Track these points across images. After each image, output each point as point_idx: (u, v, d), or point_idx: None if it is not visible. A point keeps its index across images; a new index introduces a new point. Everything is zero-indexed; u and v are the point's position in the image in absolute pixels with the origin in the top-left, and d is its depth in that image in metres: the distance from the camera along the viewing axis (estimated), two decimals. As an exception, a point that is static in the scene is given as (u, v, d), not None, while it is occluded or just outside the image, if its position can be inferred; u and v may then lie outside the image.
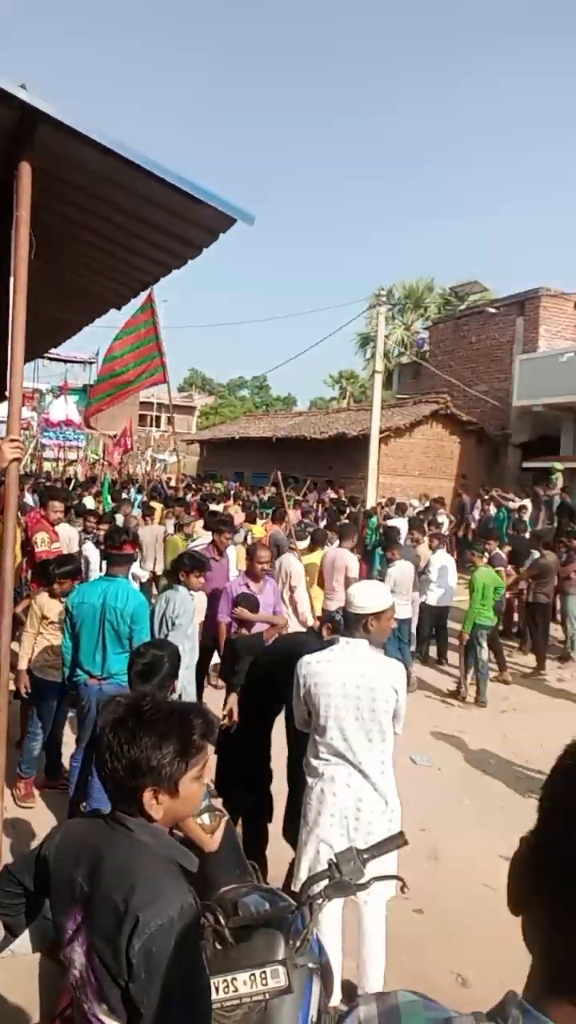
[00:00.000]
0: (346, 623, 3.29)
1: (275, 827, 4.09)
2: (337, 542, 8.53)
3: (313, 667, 3.16)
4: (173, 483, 17.34)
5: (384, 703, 3.09)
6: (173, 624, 5.18)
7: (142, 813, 1.61)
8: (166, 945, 1.42)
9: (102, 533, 7.17)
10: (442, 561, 9.28)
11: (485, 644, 8.17)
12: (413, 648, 8.94)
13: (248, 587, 5.87)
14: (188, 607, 5.34)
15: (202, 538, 7.90)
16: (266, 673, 4.11)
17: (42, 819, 4.75)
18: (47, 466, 24.56)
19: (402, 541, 11.06)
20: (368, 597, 3.20)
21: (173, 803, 1.63)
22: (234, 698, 4.36)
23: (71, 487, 15.95)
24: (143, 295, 10.00)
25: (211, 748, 1.76)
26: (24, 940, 1.85)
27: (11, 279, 3.30)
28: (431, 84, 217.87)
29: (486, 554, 8.73)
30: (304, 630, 7.09)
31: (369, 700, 3.07)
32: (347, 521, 11.47)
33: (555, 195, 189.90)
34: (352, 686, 3.08)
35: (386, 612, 3.22)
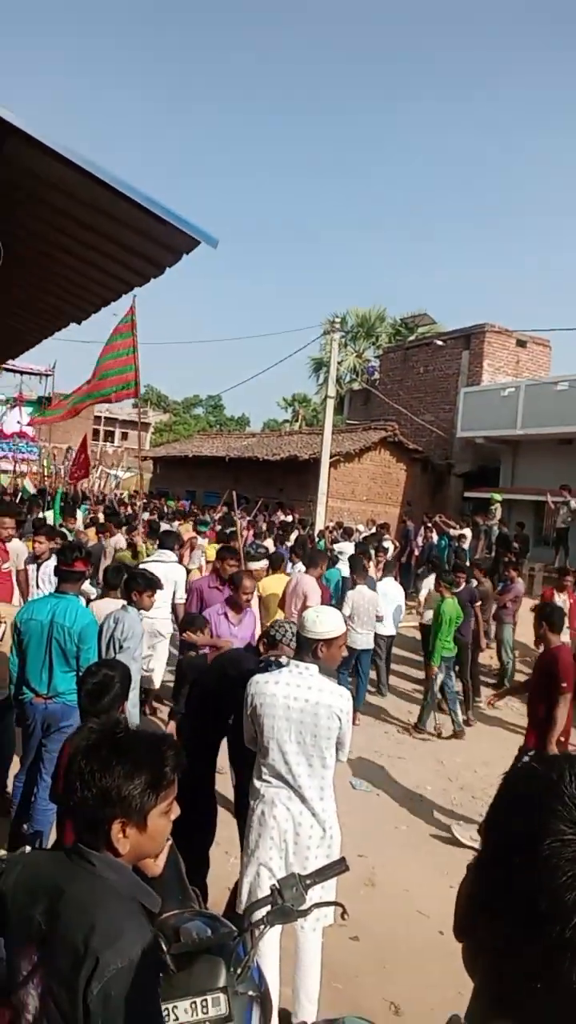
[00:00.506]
0: (298, 647, 3.30)
1: (215, 850, 4.06)
2: (300, 566, 8.51)
3: (260, 686, 3.17)
4: (125, 499, 17.13)
5: (327, 730, 3.11)
6: (121, 647, 5.07)
7: (108, 847, 1.54)
8: (125, 988, 1.35)
9: (39, 547, 6.89)
10: (388, 589, 9.37)
11: (451, 675, 8.17)
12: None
13: (227, 616, 5.78)
14: (137, 629, 5.25)
15: (156, 555, 7.80)
16: (207, 692, 4.11)
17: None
18: (0, 478, 24.02)
19: (345, 569, 11.18)
20: (320, 623, 3.21)
21: (140, 838, 1.57)
22: (172, 724, 4.35)
23: (18, 500, 15.59)
24: (127, 305, 10.03)
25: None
26: None
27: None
28: (386, 118, 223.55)
29: (453, 586, 8.53)
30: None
31: (312, 725, 3.09)
32: (311, 547, 11.46)
33: (505, 235, 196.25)
34: (296, 709, 3.09)
35: (337, 640, 3.24)
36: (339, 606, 7.68)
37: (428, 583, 9.71)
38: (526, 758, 5.24)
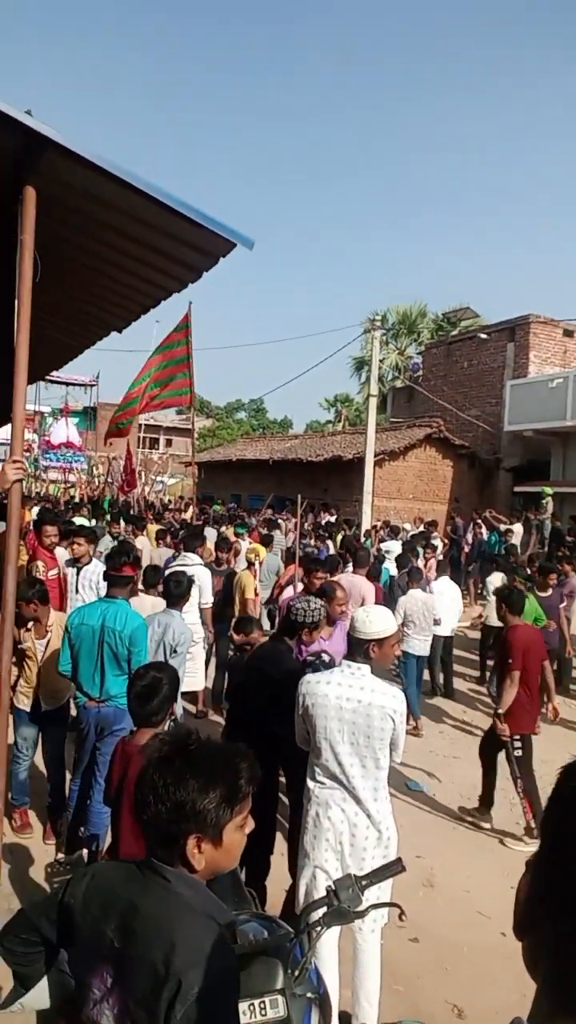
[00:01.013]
0: (350, 647, 3.27)
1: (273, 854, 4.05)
2: (351, 568, 8.44)
3: (312, 686, 3.15)
4: (171, 505, 17.32)
5: (380, 731, 3.07)
6: (174, 651, 5.14)
7: (183, 862, 1.48)
8: (210, 1011, 1.30)
9: (78, 550, 6.76)
10: (445, 588, 9.12)
11: None
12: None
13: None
14: (187, 633, 5.33)
15: (180, 559, 7.79)
16: (252, 692, 4.07)
17: (40, 844, 4.69)
18: (51, 488, 24.59)
19: (393, 568, 11.04)
20: (371, 622, 3.18)
21: (215, 853, 1.50)
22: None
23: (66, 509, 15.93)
24: (181, 313, 10.15)
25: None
26: (39, 994, 1.69)
27: (15, 302, 3.33)
28: (427, 116, 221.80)
29: (537, 586, 8.28)
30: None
31: (365, 726, 3.06)
32: (360, 548, 11.41)
33: (545, 223, 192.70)
34: (348, 710, 3.06)
35: (389, 639, 3.21)
36: (389, 605, 7.60)
37: (494, 580, 9.38)
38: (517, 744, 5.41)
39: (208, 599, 7.27)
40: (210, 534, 11.61)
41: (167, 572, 6.41)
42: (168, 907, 1.42)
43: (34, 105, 3.19)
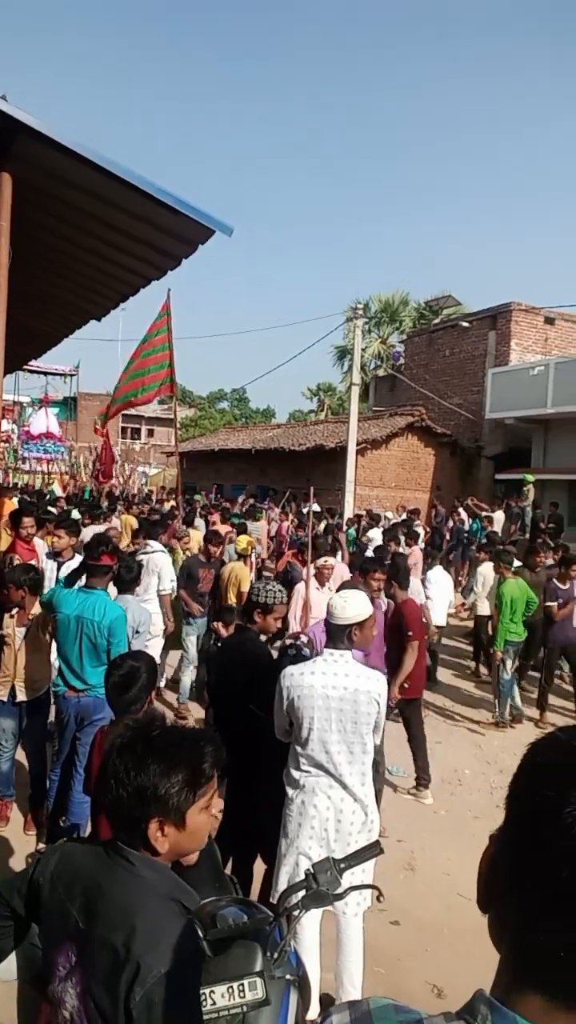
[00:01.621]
0: (329, 634, 3.25)
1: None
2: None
3: (296, 679, 3.13)
4: (155, 496, 17.23)
5: (366, 716, 3.10)
6: (136, 632, 5.17)
7: (146, 846, 1.49)
8: (169, 994, 1.30)
9: (59, 543, 6.58)
10: (439, 577, 9.06)
11: (510, 662, 7.64)
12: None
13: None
14: (146, 615, 5.39)
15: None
16: (230, 682, 4.02)
17: (21, 835, 4.68)
18: (27, 479, 24.38)
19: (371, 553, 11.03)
20: (351, 607, 3.18)
21: (179, 836, 1.51)
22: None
23: (47, 500, 15.81)
24: (157, 301, 10.03)
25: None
26: (8, 965, 1.74)
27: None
28: (410, 105, 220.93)
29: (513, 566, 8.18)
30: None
31: (352, 712, 3.07)
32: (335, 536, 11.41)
33: (527, 211, 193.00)
34: (335, 698, 3.07)
35: (367, 621, 3.23)
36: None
37: (485, 570, 9.23)
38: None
39: (167, 586, 7.10)
40: (199, 526, 11.58)
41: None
42: (131, 890, 1.44)
43: (12, 90, 3.14)
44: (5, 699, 4.71)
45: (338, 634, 3.19)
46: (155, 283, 4.64)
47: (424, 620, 7.45)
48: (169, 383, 10.25)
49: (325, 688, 3.08)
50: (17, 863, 4.33)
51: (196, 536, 10.48)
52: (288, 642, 4.12)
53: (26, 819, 4.81)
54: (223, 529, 10.59)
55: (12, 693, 4.69)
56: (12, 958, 1.73)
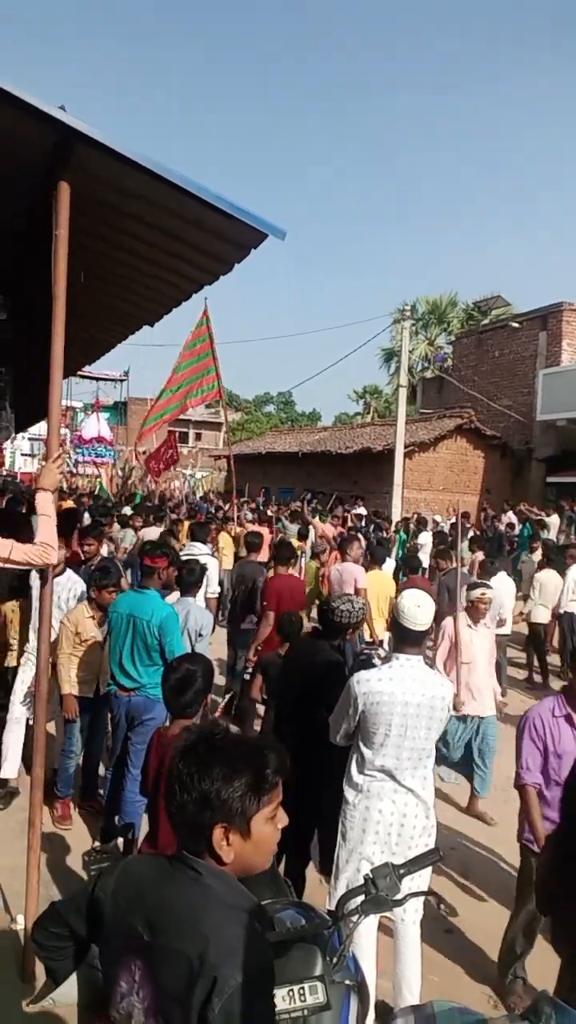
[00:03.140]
0: (400, 639, 3.18)
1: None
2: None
3: (374, 685, 3.05)
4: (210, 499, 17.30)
5: (439, 722, 3.08)
6: (200, 635, 5.24)
7: (211, 854, 1.45)
8: (247, 1005, 1.28)
9: (89, 550, 6.66)
10: (503, 585, 8.56)
11: None
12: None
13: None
14: (209, 618, 5.47)
15: (187, 548, 7.81)
16: (299, 687, 4.02)
17: (78, 834, 4.75)
18: (81, 482, 24.86)
19: (425, 559, 10.88)
20: (424, 612, 3.11)
21: (244, 846, 1.47)
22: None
23: (98, 501, 16.07)
24: (199, 311, 10.15)
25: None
26: (69, 988, 1.69)
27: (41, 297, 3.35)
28: (457, 104, 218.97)
29: None
30: None
31: (427, 719, 3.04)
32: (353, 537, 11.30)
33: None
34: (413, 704, 3.02)
35: (430, 629, 3.20)
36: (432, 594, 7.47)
37: (543, 577, 8.91)
38: None
39: (215, 589, 7.28)
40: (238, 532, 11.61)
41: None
42: (198, 900, 1.40)
43: (65, 100, 3.20)
44: (92, 696, 4.86)
45: (410, 639, 3.13)
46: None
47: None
48: (216, 388, 10.37)
49: (404, 695, 3.02)
50: (74, 861, 4.40)
51: (230, 541, 10.53)
52: (363, 648, 4.13)
53: (55, 809, 4.86)
54: (265, 533, 10.58)
55: (96, 689, 4.88)
56: (73, 981, 1.68)
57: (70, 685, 4.82)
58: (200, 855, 1.46)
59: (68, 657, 4.84)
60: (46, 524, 3.20)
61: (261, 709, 5.92)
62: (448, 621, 5.56)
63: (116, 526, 11.05)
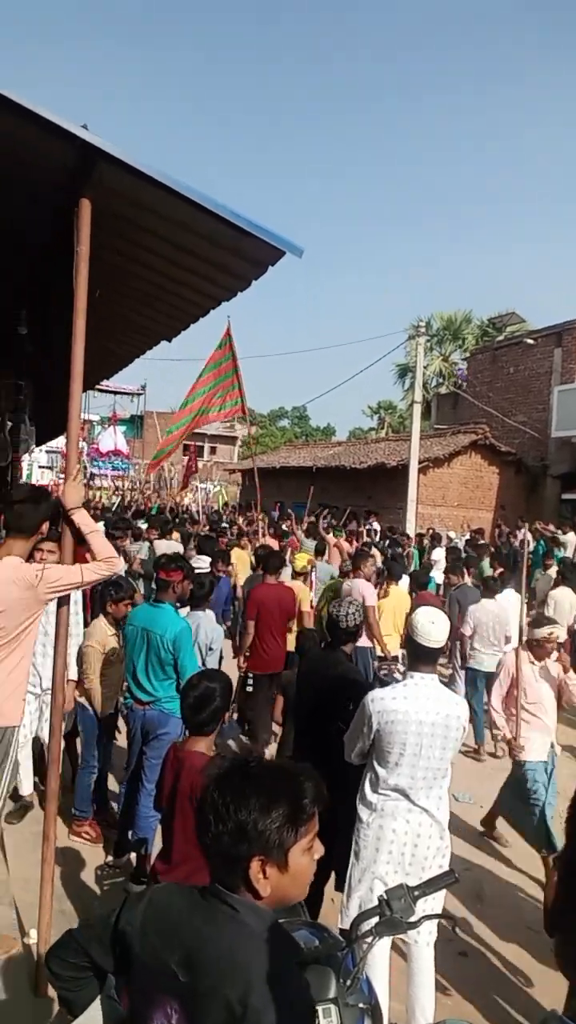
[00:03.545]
0: (415, 656, 3.16)
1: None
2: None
3: (388, 703, 3.03)
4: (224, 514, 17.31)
5: (455, 741, 3.05)
6: (210, 649, 5.25)
7: (247, 887, 1.40)
8: None
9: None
10: (513, 601, 8.36)
11: None
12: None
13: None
14: (219, 632, 5.48)
15: (193, 561, 7.82)
16: (315, 703, 3.98)
17: (92, 848, 4.72)
18: (98, 495, 25.03)
19: (439, 576, 10.83)
20: (438, 629, 3.09)
21: (281, 879, 1.41)
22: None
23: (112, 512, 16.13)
24: (222, 329, 10.31)
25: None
26: (94, 1014, 1.61)
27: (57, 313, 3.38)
28: (467, 121, 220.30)
29: None
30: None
31: (442, 738, 3.02)
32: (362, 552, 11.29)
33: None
34: (428, 723, 3.00)
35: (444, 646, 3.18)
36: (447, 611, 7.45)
37: (559, 595, 8.78)
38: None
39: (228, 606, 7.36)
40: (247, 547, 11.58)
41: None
42: (238, 939, 1.35)
43: (65, 100, 3.25)
44: (113, 711, 4.89)
45: (425, 656, 3.11)
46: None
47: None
48: (239, 404, 10.52)
49: (419, 714, 3.00)
50: (88, 875, 4.38)
51: (243, 556, 10.51)
52: (380, 666, 4.09)
53: (83, 833, 4.83)
54: (274, 544, 10.49)
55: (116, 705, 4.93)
56: (97, 1007, 1.61)
57: (105, 703, 4.88)
58: (235, 888, 1.41)
59: (98, 677, 4.86)
60: (98, 538, 3.32)
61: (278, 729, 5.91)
62: (510, 657, 5.11)
63: (130, 539, 11.09)
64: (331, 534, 12.63)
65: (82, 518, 3.29)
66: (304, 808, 1.43)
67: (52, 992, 3.17)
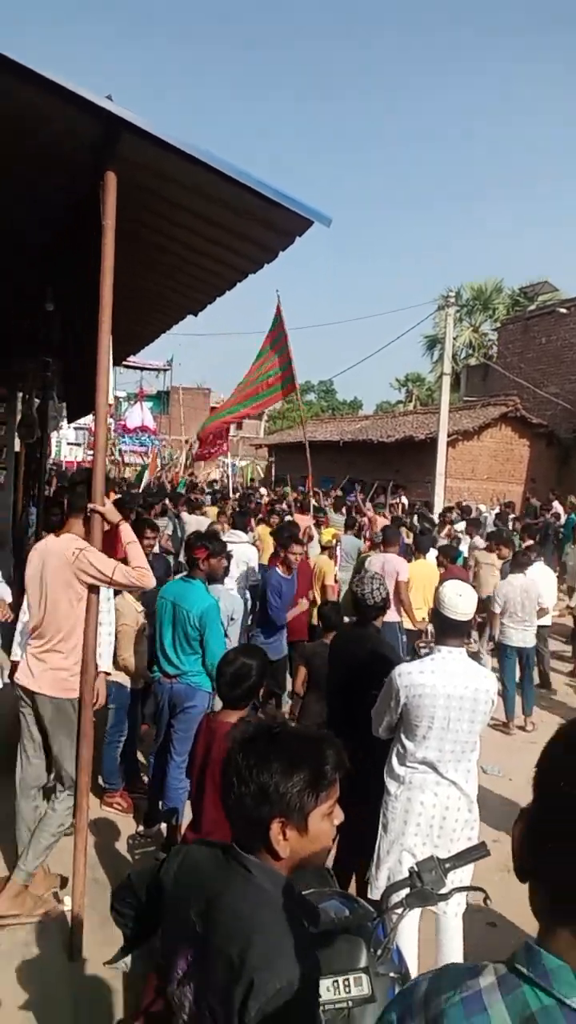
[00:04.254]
0: (441, 630, 3.16)
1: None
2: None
3: (416, 677, 3.03)
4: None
5: (483, 715, 3.05)
6: (231, 619, 5.29)
7: (267, 849, 1.45)
8: (286, 1010, 1.26)
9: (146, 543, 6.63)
10: (544, 574, 8.32)
11: None
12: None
13: None
14: (239, 601, 5.57)
15: (228, 535, 7.86)
16: (346, 677, 3.97)
17: (123, 818, 4.80)
18: (127, 471, 25.12)
19: (465, 549, 10.72)
20: (468, 601, 3.08)
21: (301, 841, 1.46)
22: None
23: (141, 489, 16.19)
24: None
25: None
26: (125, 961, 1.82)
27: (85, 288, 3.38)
28: (498, 85, 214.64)
29: None
30: None
31: (470, 711, 3.02)
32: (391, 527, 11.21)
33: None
34: (456, 697, 3.00)
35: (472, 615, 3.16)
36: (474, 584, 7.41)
37: None
38: None
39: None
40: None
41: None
42: (249, 900, 1.40)
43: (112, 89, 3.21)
44: (139, 686, 5.01)
45: (452, 630, 3.10)
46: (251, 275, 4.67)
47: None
48: (292, 383, 10.56)
49: (447, 688, 2.99)
50: (121, 845, 4.47)
51: (265, 533, 10.49)
52: (420, 643, 4.07)
53: (114, 804, 4.92)
54: (303, 521, 10.40)
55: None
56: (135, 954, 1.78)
57: (138, 676, 5.01)
58: (255, 850, 1.46)
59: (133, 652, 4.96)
60: (135, 549, 3.60)
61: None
62: None
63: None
64: (373, 510, 12.58)
65: (124, 530, 3.63)
66: (325, 774, 1.48)
67: (87, 953, 3.27)
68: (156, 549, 6.64)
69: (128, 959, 1.83)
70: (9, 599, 4.63)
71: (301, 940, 1.36)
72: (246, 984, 1.28)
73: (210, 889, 1.45)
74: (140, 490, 16.46)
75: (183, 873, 1.55)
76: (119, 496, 6.96)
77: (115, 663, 4.88)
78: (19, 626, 4.18)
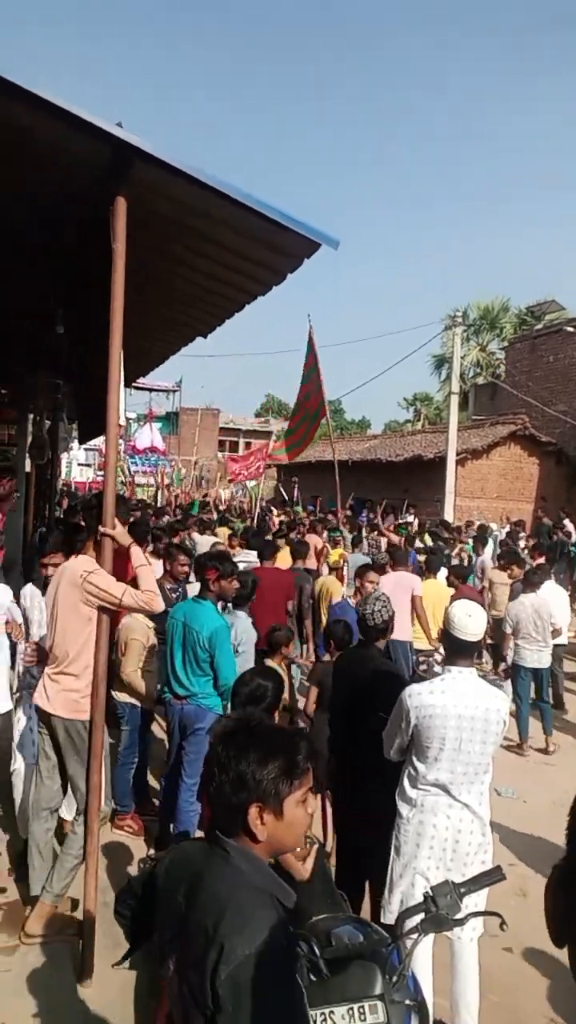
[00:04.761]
0: (452, 650, 3.14)
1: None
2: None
3: (426, 698, 3.01)
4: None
5: (495, 736, 3.01)
6: (236, 650, 5.19)
7: (246, 832, 1.55)
8: (256, 976, 1.34)
9: (181, 569, 6.39)
10: (556, 593, 8.29)
11: None
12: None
13: None
14: (251, 633, 5.41)
15: (241, 555, 7.94)
16: (352, 697, 3.96)
17: (134, 841, 4.77)
18: (139, 492, 25.27)
19: (479, 567, 10.69)
20: (478, 622, 3.06)
21: (277, 826, 1.56)
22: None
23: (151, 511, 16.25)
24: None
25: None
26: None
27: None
28: (504, 102, 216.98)
29: None
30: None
31: (482, 732, 2.98)
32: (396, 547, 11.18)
33: None
34: (467, 718, 2.97)
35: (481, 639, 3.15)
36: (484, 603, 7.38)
37: None
38: None
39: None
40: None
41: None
42: (226, 880, 1.51)
43: (124, 114, 3.26)
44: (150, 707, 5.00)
45: (465, 650, 3.08)
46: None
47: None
48: (324, 405, 10.85)
49: (457, 708, 2.97)
50: (132, 868, 4.44)
51: (283, 553, 10.48)
52: (421, 660, 4.06)
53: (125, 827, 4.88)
54: (314, 542, 10.37)
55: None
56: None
57: (147, 698, 4.97)
58: (236, 835, 1.57)
59: (139, 671, 4.92)
60: (146, 573, 3.61)
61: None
62: None
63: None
64: (395, 530, 12.70)
65: (136, 554, 3.64)
66: (299, 763, 1.59)
67: (97, 976, 3.25)
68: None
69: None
70: (20, 620, 4.63)
71: (272, 914, 1.45)
72: (217, 950, 1.37)
73: (194, 873, 1.57)
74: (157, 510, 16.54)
75: (174, 866, 1.68)
76: (133, 520, 6.95)
77: (118, 679, 4.88)
78: (20, 647, 4.23)
